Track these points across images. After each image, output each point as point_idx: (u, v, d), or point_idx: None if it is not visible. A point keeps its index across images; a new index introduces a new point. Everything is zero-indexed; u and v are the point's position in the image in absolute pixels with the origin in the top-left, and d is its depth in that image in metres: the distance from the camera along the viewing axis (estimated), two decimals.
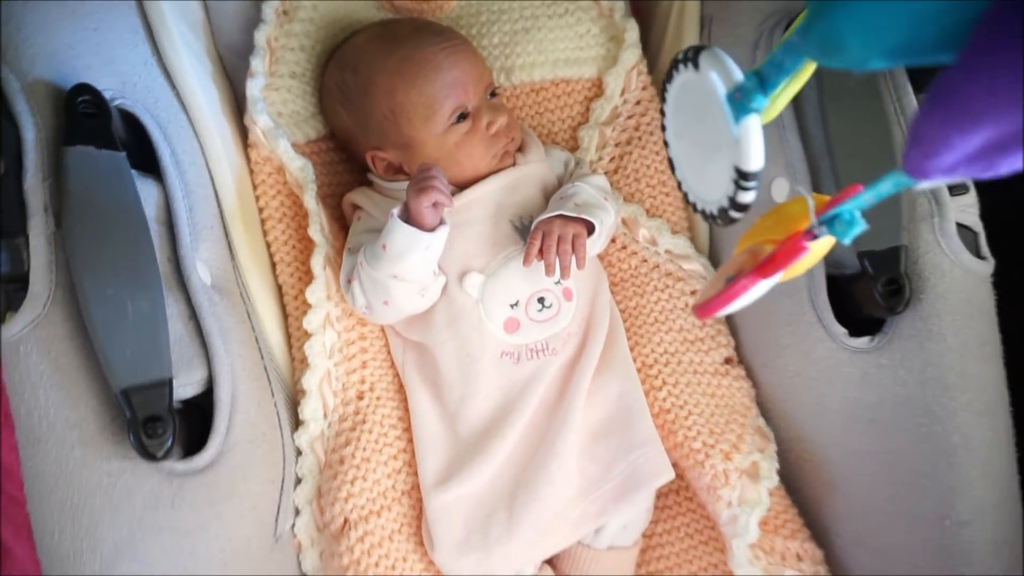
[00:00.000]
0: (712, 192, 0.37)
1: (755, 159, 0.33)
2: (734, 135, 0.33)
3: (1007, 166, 0.27)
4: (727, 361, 0.70)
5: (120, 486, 0.51)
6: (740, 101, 0.33)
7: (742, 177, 0.34)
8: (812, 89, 0.63)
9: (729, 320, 0.72)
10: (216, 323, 0.57)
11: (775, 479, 0.65)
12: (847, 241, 0.34)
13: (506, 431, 0.64)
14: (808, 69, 0.35)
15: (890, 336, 0.58)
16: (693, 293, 0.71)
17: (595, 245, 0.66)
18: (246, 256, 0.64)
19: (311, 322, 0.65)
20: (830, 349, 0.62)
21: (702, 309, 0.39)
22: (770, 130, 0.52)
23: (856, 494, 0.64)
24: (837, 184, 0.61)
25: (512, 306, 0.65)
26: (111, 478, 0.51)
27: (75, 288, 0.50)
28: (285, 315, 0.68)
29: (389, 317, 0.65)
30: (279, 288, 0.68)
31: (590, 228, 0.64)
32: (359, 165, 0.71)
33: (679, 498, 0.72)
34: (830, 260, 0.62)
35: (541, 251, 0.63)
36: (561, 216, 0.63)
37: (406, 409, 0.68)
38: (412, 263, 0.60)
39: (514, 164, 0.69)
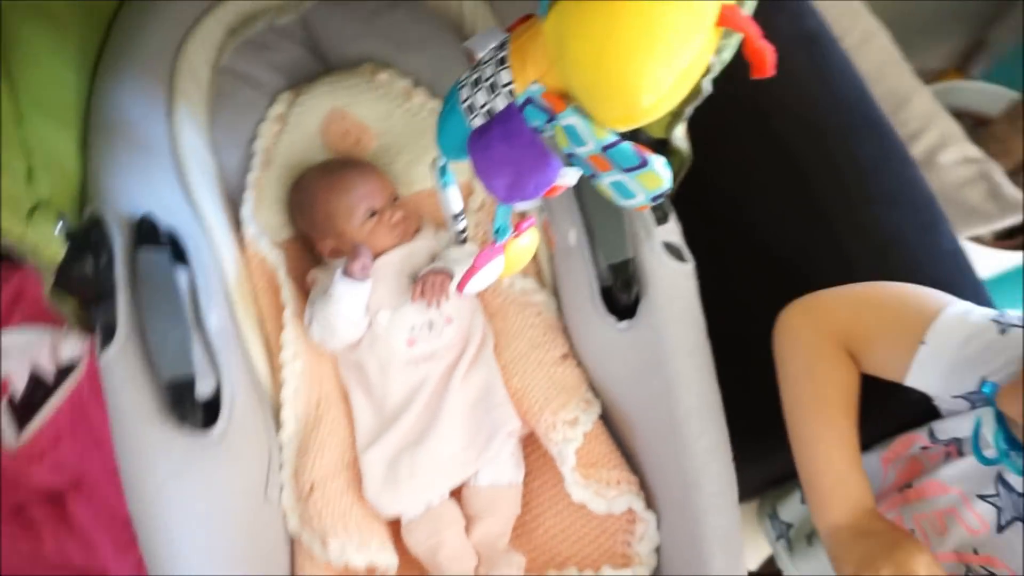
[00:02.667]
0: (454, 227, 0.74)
1: (454, 207, 0.70)
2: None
3: (530, 194, 0.63)
4: (564, 356, 1.03)
5: (163, 444, 0.80)
6: (444, 180, 0.70)
7: (454, 217, 0.71)
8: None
9: (565, 328, 1.06)
10: (222, 350, 0.91)
11: (590, 425, 0.95)
12: (500, 240, 0.69)
13: (411, 408, 0.98)
14: None
15: (637, 317, 0.92)
16: (539, 314, 1.06)
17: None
18: (242, 313, 0.99)
19: (285, 355, 1.00)
20: (609, 333, 0.94)
21: (459, 287, 0.74)
22: (568, 200, 0.88)
23: (643, 430, 0.95)
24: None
25: (411, 329, 1.00)
26: (159, 439, 0.80)
27: (142, 327, 0.86)
28: (270, 352, 1.04)
29: (335, 343, 1.01)
30: (266, 335, 1.04)
31: (452, 275, 1.00)
32: (314, 252, 1.10)
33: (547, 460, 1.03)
34: (602, 275, 0.96)
35: (423, 292, 0.99)
36: (433, 270, 1.00)
37: (347, 410, 1.02)
38: (348, 303, 0.97)
39: (412, 240, 1.07)
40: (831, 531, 0.69)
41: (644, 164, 0.54)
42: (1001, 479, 0.67)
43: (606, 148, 0.54)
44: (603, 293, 0.95)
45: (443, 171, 0.69)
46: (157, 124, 1.00)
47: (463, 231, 0.72)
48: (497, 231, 0.70)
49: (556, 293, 1.08)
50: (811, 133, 0.90)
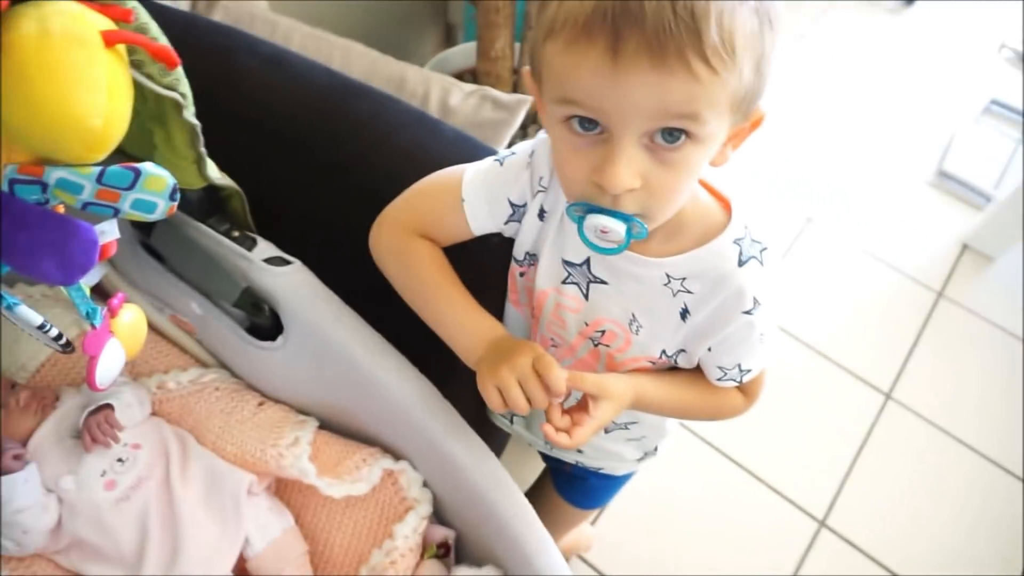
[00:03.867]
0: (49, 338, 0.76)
1: (34, 321, 0.73)
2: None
3: (84, 261, 0.69)
4: (259, 404, 1.09)
5: None
6: (6, 304, 0.73)
7: (39, 329, 0.74)
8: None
9: (248, 385, 1.11)
10: None
11: (311, 435, 1.03)
12: (96, 323, 0.74)
13: (149, 537, 0.95)
14: None
15: (285, 328, 1.01)
16: (216, 389, 1.10)
17: (124, 415, 1.02)
18: None
19: None
20: (276, 356, 1.02)
21: (88, 383, 0.77)
22: (169, 284, 0.93)
23: (354, 407, 1.04)
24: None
25: (103, 475, 0.98)
26: None
27: None
28: None
29: (36, 541, 0.94)
30: None
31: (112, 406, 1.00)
32: None
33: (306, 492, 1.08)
34: (236, 317, 1.05)
35: (93, 439, 0.98)
36: (89, 413, 1.00)
37: None
38: (22, 496, 0.91)
39: (55, 408, 1.04)
40: (477, 366, 0.82)
41: (139, 172, 0.64)
42: (564, 261, 0.85)
43: (100, 179, 0.63)
44: (250, 331, 1.03)
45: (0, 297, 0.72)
46: None
47: (59, 338, 0.75)
48: (87, 315, 0.75)
49: (223, 364, 1.13)
50: (316, 118, 1.07)
